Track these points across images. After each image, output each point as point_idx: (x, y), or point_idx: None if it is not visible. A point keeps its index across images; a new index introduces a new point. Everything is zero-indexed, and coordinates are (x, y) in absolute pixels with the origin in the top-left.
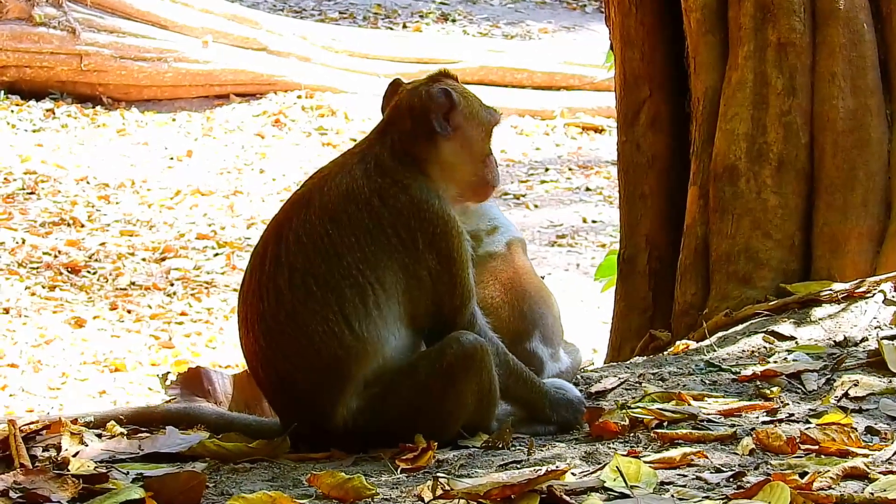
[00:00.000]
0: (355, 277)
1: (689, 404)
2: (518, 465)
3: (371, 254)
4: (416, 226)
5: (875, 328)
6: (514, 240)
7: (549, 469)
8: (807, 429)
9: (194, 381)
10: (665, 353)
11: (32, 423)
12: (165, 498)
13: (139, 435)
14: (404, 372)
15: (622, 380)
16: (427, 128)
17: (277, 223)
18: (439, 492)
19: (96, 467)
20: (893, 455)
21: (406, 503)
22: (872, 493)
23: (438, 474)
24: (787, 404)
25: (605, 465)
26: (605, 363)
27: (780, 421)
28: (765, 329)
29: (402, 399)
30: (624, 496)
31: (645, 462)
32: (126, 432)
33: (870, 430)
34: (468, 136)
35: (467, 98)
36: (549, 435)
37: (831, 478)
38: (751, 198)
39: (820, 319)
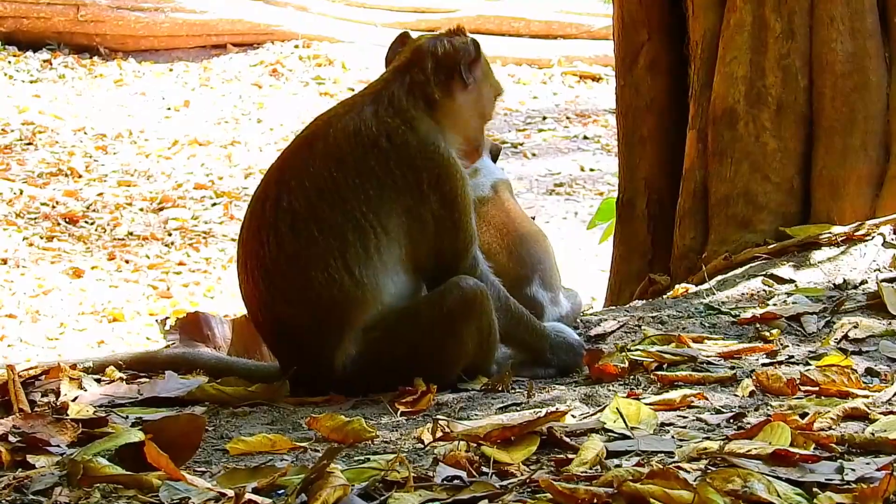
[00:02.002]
0: (358, 221)
1: (689, 346)
2: (518, 408)
3: (376, 196)
4: (422, 166)
5: (874, 271)
6: (499, 182)
7: (548, 411)
8: (807, 370)
9: (193, 326)
10: (664, 296)
11: (31, 368)
12: (164, 441)
13: (138, 380)
14: (404, 317)
15: (621, 323)
16: (449, 75)
17: (279, 166)
18: (439, 433)
19: (95, 412)
20: (894, 396)
21: (406, 444)
22: (873, 434)
23: (438, 417)
24: (787, 346)
25: (605, 406)
26: (604, 307)
27: (780, 363)
28: (764, 272)
29: (401, 344)
30: (624, 437)
31: (645, 404)
32: (125, 377)
33: (870, 372)
34: (482, 94)
35: (486, 59)
36: (548, 378)
37: (831, 419)
38: (749, 141)
39: (819, 262)
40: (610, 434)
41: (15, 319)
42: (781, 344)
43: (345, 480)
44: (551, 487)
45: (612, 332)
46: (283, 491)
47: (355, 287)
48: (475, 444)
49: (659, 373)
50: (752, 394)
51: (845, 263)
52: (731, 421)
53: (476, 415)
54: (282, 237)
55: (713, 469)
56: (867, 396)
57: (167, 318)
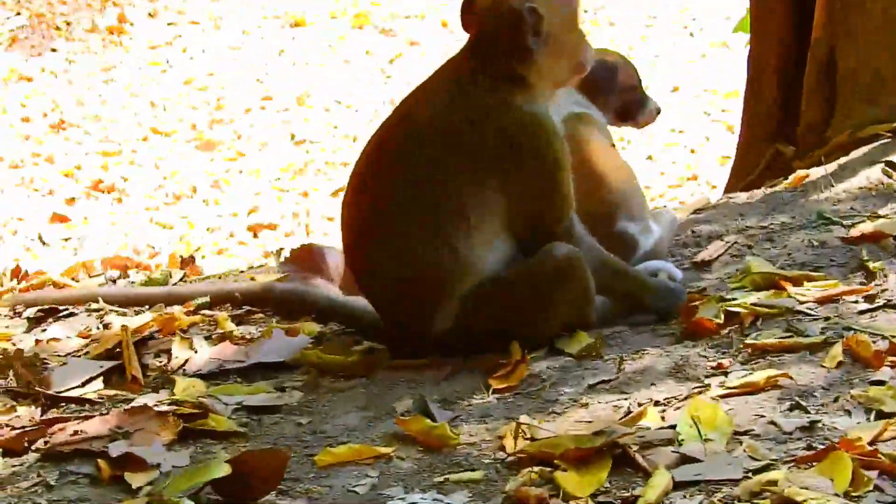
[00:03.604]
0: (457, 199)
1: (787, 293)
2: (606, 385)
3: (473, 173)
4: (519, 142)
5: None
6: (571, 115)
7: (623, 420)
8: (886, 339)
9: (307, 257)
10: (784, 184)
11: (145, 325)
12: (248, 473)
13: (247, 337)
14: (500, 285)
15: (728, 244)
16: (521, 44)
17: (379, 141)
18: (521, 443)
19: (198, 397)
20: None
21: (486, 458)
22: None
23: (521, 421)
24: (887, 283)
25: (684, 405)
26: (727, 183)
27: (877, 310)
28: (885, 157)
29: (497, 311)
30: (693, 460)
31: (728, 389)
32: (240, 315)
33: None
34: (561, 40)
35: (552, 5)
36: (648, 324)
37: None
38: (877, 14)
39: None
40: (682, 453)
41: None
42: (883, 276)
43: None
44: None
45: (718, 256)
46: None
47: (455, 260)
48: (548, 469)
49: (749, 340)
50: (839, 365)
51: None
52: (805, 431)
53: (564, 392)
54: (381, 213)
55: None
56: None
57: (282, 248)
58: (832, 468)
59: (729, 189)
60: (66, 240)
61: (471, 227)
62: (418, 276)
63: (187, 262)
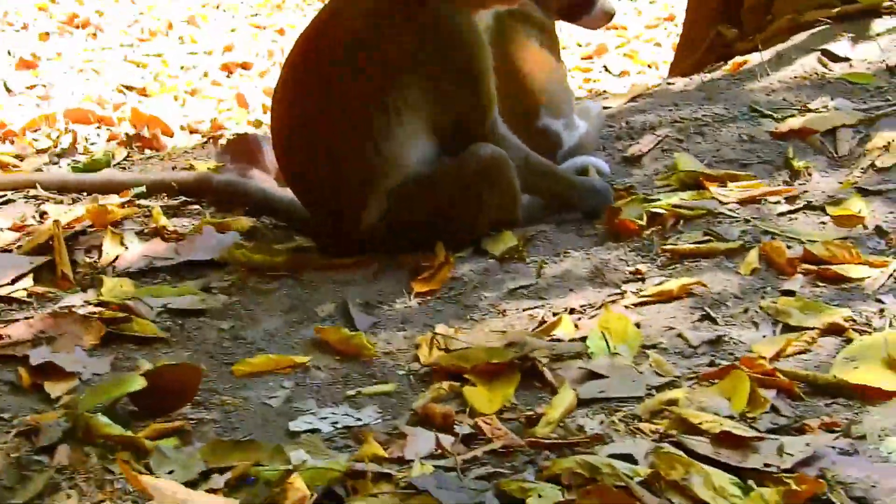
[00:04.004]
0: (379, 97)
1: (710, 194)
2: (525, 291)
3: (395, 75)
4: (439, 45)
5: None
6: (501, 12)
7: (537, 331)
8: (811, 243)
9: (244, 147)
10: (722, 70)
11: (77, 218)
12: (163, 388)
13: (179, 231)
14: (425, 183)
15: (659, 138)
16: None
17: (305, 40)
18: (435, 354)
19: (125, 298)
20: (881, 288)
21: (402, 363)
22: (835, 377)
23: (437, 331)
24: (808, 186)
25: (598, 314)
26: (671, 64)
27: (797, 211)
28: (822, 46)
29: (423, 208)
30: (599, 376)
31: (642, 297)
32: (176, 205)
33: (878, 231)
34: None
35: None
36: (574, 223)
37: (807, 340)
38: None
39: (878, 35)
40: (589, 369)
41: None
42: (807, 175)
43: (305, 491)
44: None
45: (649, 150)
46: (253, 479)
47: (378, 155)
48: (458, 384)
49: (669, 244)
50: (754, 272)
51: None
52: (711, 345)
53: (484, 298)
54: (307, 105)
55: (664, 447)
56: (861, 280)
57: (221, 136)
58: (731, 387)
59: (673, 70)
60: (31, 87)
61: (393, 125)
62: (343, 171)
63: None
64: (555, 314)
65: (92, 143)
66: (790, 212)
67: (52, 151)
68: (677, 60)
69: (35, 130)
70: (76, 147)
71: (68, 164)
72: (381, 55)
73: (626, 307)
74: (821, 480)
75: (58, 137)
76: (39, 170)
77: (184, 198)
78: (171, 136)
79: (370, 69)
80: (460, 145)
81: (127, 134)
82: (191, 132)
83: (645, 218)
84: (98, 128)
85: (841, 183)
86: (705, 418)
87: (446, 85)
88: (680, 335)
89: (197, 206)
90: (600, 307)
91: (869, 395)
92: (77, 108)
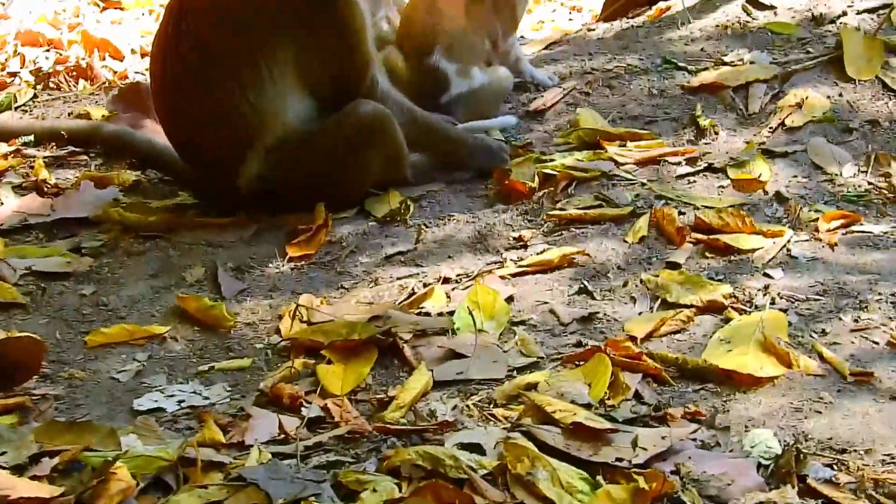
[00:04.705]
0: (248, 50)
1: (607, 154)
2: (402, 257)
3: (265, 31)
4: (308, 2)
5: None
6: None
7: (406, 302)
8: (704, 210)
9: (134, 96)
10: (646, 15)
11: None
12: (6, 360)
13: (60, 185)
14: (305, 140)
15: (566, 91)
16: None
17: None
18: (296, 327)
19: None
20: (770, 261)
21: (263, 335)
22: (705, 361)
23: (300, 302)
24: (713, 142)
25: (470, 287)
26: (602, 7)
27: (697, 174)
28: None
29: (303, 166)
30: (460, 356)
31: (521, 266)
32: (64, 155)
33: (778, 197)
34: None
35: None
36: (465, 182)
37: (683, 319)
38: None
39: None
40: (450, 348)
41: None
42: (713, 133)
43: (129, 482)
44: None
45: (553, 104)
46: (82, 464)
47: (252, 111)
48: (313, 361)
49: (557, 209)
50: (642, 240)
51: None
52: (582, 323)
53: (360, 263)
54: (183, 61)
55: (514, 437)
56: (752, 252)
57: (114, 84)
58: (593, 372)
59: (604, 12)
60: None
61: (265, 81)
62: (218, 127)
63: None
64: (426, 285)
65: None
66: (690, 174)
67: None
68: (608, 3)
69: None
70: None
71: None
72: (248, 10)
73: (503, 277)
74: (672, 478)
75: (5, 61)
76: None
77: (72, 148)
78: (122, 60)
79: (238, 24)
80: (341, 103)
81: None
82: (142, 56)
83: (537, 179)
84: (47, 51)
85: (747, 143)
86: (560, 407)
87: (318, 42)
88: (552, 311)
89: (85, 157)
90: (476, 276)
91: (739, 381)
92: (28, 30)
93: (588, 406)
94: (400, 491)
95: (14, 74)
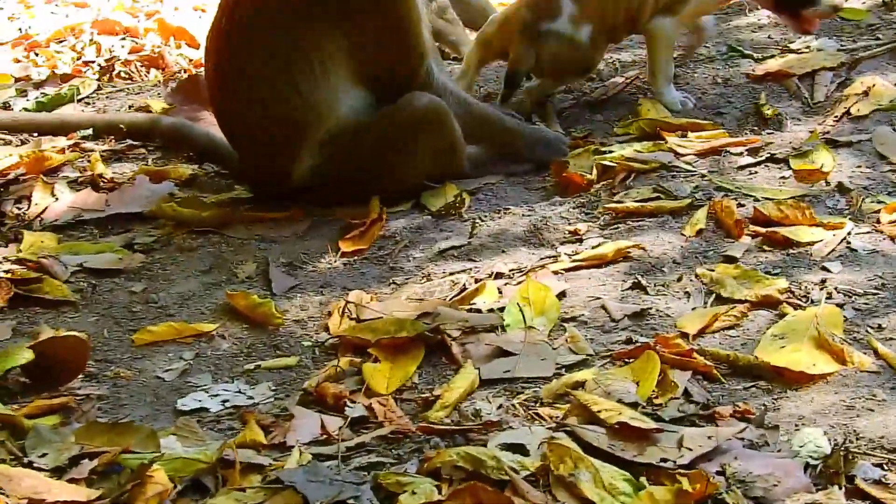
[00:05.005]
0: (299, 44)
1: (667, 145)
2: (456, 251)
3: (313, 21)
4: None
5: None
6: None
7: (456, 298)
8: (762, 202)
9: (193, 88)
10: None
11: (11, 166)
12: (50, 360)
13: (116, 179)
14: (359, 133)
15: (628, 81)
16: None
17: None
18: (345, 324)
19: (46, 254)
20: (830, 254)
21: (311, 332)
22: (756, 357)
23: (350, 298)
24: (776, 132)
25: (521, 284)
26: None
27: (758, 164)
28: None
29: (358, 159)
30: (508, 354)
31: (575, 261)
32: (105, 171)
33: (840, 188)
34: None
35: None
36: (524, 174)
37: (736, 315)
38: None
39: None
40: (497, 345)
41: None
42: (778, 122)
43: (166, 484)
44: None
45: (617, 92)
46: (121, 467)
47: (304, 105)
48: (360, 359)
49: (615, 201)
50: (699, 233)
51: None
52: (633, 319)
53: (412, 258)
54: (235, 55)
55: (558, 437)
56: (810, 245)
57: (172, 78)
58: (642, 369)
59: None
60: None
61: (317, 74)
62: (270, 121)
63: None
64: (477, 280)
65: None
66: (751, 165)
67: (34, 80)
68: None
69: (60, 42)
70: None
71: (37, 98)
72: (300, 2)
73: (556, 272)
74: (717, 478)
75: (82, 49)
76: (6, 106)
77: (131, 141)
78: (198, 49)
79: (287, 18)
80: (397, 96)
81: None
82: None
83: (595, 171)
84: (122, 39)
85: (811, 132)
86: (606, 406)
87: (372, 34)
88: (604, 307)
89: (143, 151)
90: (529, 271)
91: (791, 379)
92: (105, 19)
93: (635, 405)
94: (439, 493)
95: (88, 63)
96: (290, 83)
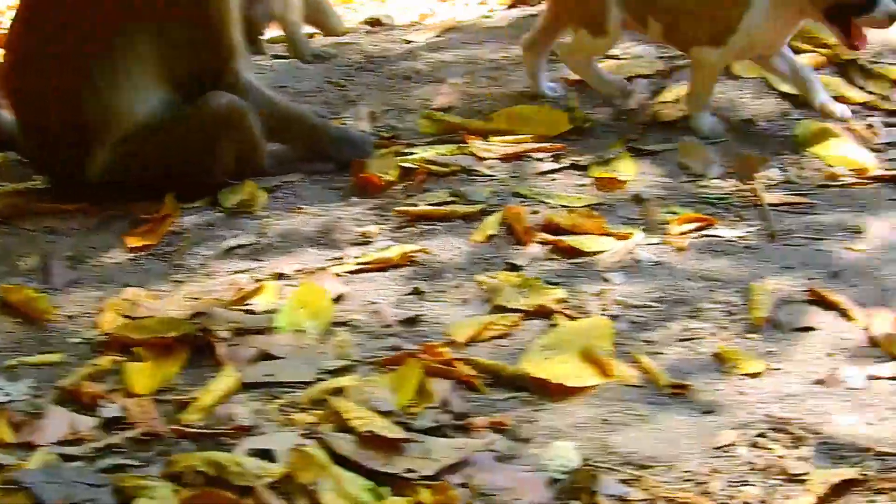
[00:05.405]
0: (107, 45)
1: (471, 148)
2: (243, 250)
3: (122, 20)
4: None
5: None
6: None
7: (233, 299)
8: (556, 210)
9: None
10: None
11: None
12: None
13: None
14: (157, 131)
15: (447, 82)
16: None
17: None
18: (117, 321)
19: None
20: (614, 264)
21: (82, 328)
22: (517, 370)
23: (126, 295)
24: (581, 141)
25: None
26: None
27: (560, 171)
28: None
29: (155, 157)
30: (272, 357)
31: (360, 263)
32: None
33: (636, 198)
34: None
35: None
36: (328, 172)
37: (505, 325)
38: None
39: None
40: (267, 347)
41: None
42: (583, 128)
43: None
44: None
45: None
46: None
47: (101, 99)
48: (124, 358)
49: (408, 204)
50: (489, 239)
51: None
52: (404, 325)
53: (199, 255)
54: (35, 50)
55: (305, 445)
56: (595, 255)
57: None
58: (402, 377)
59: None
60: None
61: (119, 73)
62: (64, 118)
63: None
64: (258, 281)
65: None
66: (553, 171)
67: None
68: None
69: None
70: None
71: None
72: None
73: (339, 275)
74: (458, 491)
75: None
76: None
77: None
78: None
79: (92, 15)
80: (201, 95)
81: None
82: None
83: (395, 173)
84: None
85: (604, 152)
86: (359, 414)
87: (179, 31)
88: (378, 311)
89: None
90: (312, 273)
91: (553, 391)
92: None
93: (388, 414)
94: (174, 498)
95: None
96: (91, 83)
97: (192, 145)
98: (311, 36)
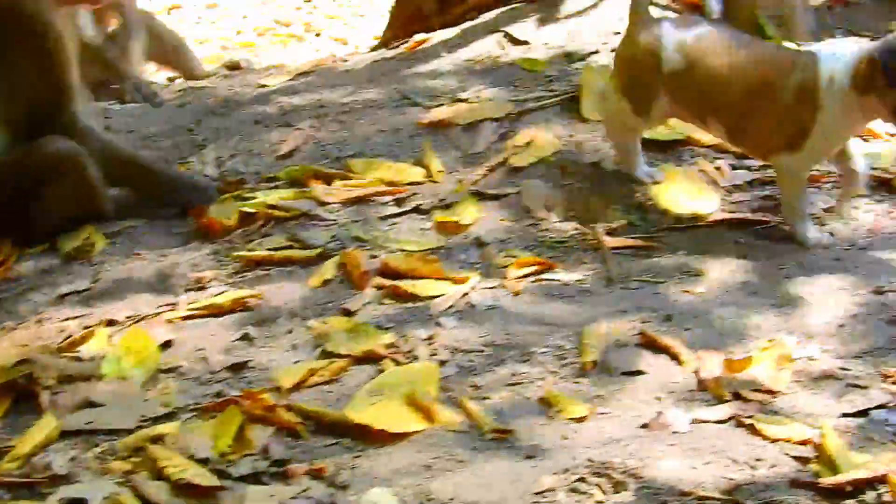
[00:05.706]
0: None
1: (315, 195)
2: (77, 296)
3: None
4: (4, 28)
5: (616, 34)
6: None
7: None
8: (393, 253)
9: None
10: (402, 48)
11: None
12: None
13: None
14: None
15: (295, 128)
16: None
17: None
18: None
19: None
20: (448, 309)
21: None
22: (343, 413)
23: None
24: (425, 185)
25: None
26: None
27: (403, 215)
28: (508, 26)
29: None
30: (95, 404)
31: (192, 309)
32: None
33: (477, 242)
34: None
35: None
36: (172, 217)
37: (332, 371)
38: None
39: (567, 16)
40: (90, 395)
41: None
42: (430, 173)
43: None
44: None
45: (295, 149)
46: None
47: None
48: None
49: (246, 249)
50: (325, 283)
51: (593, 21)
52: (231, 371)
53: (32, 302)
54: None
55: (120, 493)
56: (430, 299)
57: None
58: (223, 424)
59: (382, 41)
60: None
61: None
62: None
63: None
64: (87, 328)
65: None
66: (396, 215)
67: None
68: (385, 34)
69: None
70: None
71: None
72: None
73: (171, 321)
74: None
75: None
76: None
77: None
78: None
79: None
80: (38, 138)
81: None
82: None
83: (235, 218)
84: None
85: (449, 194)
86: (175, 462)
87: (12, 72)
88: (205, 358)
89: None
90: (142, 319)
91: (375, 437)
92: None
93: (206, 461)
94: None
95: None
96: None
97: (24, 190)
98: (171, 79)
